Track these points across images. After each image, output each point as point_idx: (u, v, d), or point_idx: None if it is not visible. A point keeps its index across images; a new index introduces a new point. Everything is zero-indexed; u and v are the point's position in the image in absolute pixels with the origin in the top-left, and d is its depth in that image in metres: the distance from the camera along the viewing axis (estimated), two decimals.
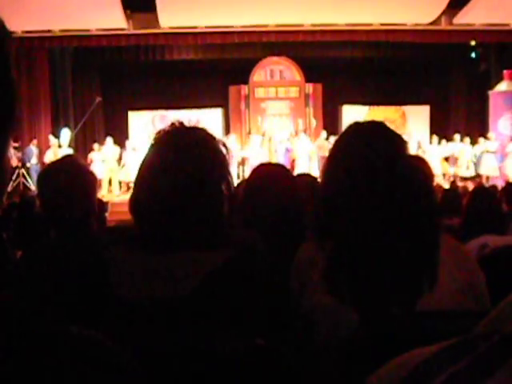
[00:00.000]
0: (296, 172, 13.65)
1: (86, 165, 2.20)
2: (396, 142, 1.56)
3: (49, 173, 2.13)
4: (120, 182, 15.58)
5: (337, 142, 1.62)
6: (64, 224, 2.05)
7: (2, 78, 0.60)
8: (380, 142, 1.52)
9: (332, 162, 1.58)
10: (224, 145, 1.43)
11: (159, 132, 1.43)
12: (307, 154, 15.90)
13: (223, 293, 1.29)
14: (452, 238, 1.61)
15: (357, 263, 1.46)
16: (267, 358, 1.24)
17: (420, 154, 13.93)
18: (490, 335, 0.51)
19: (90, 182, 2.15)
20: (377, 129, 1.58)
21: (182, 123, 1.43)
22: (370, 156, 1.48)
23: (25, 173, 14.17)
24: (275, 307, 1.50)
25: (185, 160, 1.34)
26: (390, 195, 1.44)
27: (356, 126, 1.62)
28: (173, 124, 1.43)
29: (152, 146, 1.41)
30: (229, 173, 1.43)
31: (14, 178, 13.81)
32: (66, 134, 14.97)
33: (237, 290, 1.32)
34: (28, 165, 14.38)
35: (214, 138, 1.42)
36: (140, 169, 1.41)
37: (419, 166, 1.58)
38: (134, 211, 1.39)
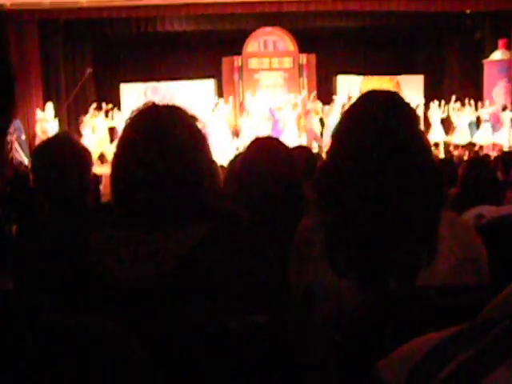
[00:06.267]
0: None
1: (80, 141, 2.18)
2: (409, 115, 1.54)
3: (43, 150, 2.11)
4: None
5: (349, 111, 1.59)
6: (59, 202, 2.04)
7: None
8: (394, 114, 1.50)
9: (342, 132, 1.56)
10: (198, 120, 1.43)
11: (134, 111, 1.42)
12: (293, 123, 15.76)
13: (208, 266, 1.29)
14: (451, 212, 1.60)
15: (357, 236, 1.46)
16: (267, 335, 1.24)
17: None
18: (500, 321, 0.50)
19: (84, 158, 2.14)
20: (391, 100, 1.55)
21: (154, 103, 1.43)
22: (381, 130, 1.46)
23: (18, 147, 14.08)
24: (266, 280, 1.50)
25: (162, 137, 1.34)
26: (395, 170, 1.43)
27: (370, 96, 1.59)
28: (146, 103, 1.43)
29: (128, 125, 1.41)
30: (207, 148, 1.43)
31: None
32: (49, 107, 14.88)
33: (221, 262, 1.31)
34: (23, 137, 14.29)
35: (191, 116, 1.42)
36: (117, 148, 1.40)
37: (427, 142, 1.57)
38: (113, 189, 1.39)
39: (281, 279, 1.57)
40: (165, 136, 1.34)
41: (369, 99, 1.58)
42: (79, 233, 1.47)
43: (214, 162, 1.47)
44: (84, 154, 2.14)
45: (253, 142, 2.28)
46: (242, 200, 2.09)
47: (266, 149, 2.19)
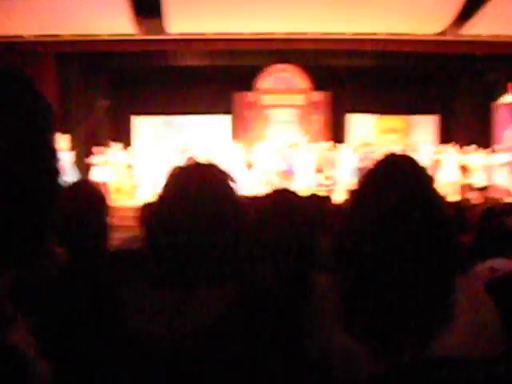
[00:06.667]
0: (294, 183, 13.65)
1: (99, 189, 2.19)
2: (426, 179, 1.59)
3: (62, 200, 2.10)
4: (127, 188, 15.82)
5: (369, 173, 1.63)
6: (76, 250, 2.03)
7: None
8: (412, 180, 1.55)
9: (361, 195, 1.59)
10: (232, 180, 1.46)
11: (176, 168, 1.45)
12: (308, 165, 15.82)
13: (239, 328, 1.30)
14: (466, 277, 1.60)
15: (372, 301, 1.46)
16: None
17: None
18: None
19: (103, 208, 2.15)
20: (409, 166, 1.60)
21: (196, 161, 1.47)
22: (400, 195, 1.49)
23: None
24: (292, 342, 1.50)
25: (202, 197, 1.36)
26: (413, 235, 1.45)
27: (389, 161, 1.64)
28: (188, 161, 1.47)
29: (169, 182, 1.43)
30: (240, 207, 1.45)
31: None
32: (62, 139, 15.02)
33: (252, 325, 1.32)
34: None
35: (226, 174, 1.45)
36: (157, 204, 1.42)
37: (446, 206, 1.59)
38: (151, 245, 1.40)
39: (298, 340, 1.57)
40: (204, 197, 1.37)
41: (388, 164, 1.61)
42: (105, 284, 1.48)
43: (244, 218, 1.49)
44: (103, 202, 2.15)
45: (268, 196, 2.29)
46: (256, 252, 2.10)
47: (281, 203, 2.20)
